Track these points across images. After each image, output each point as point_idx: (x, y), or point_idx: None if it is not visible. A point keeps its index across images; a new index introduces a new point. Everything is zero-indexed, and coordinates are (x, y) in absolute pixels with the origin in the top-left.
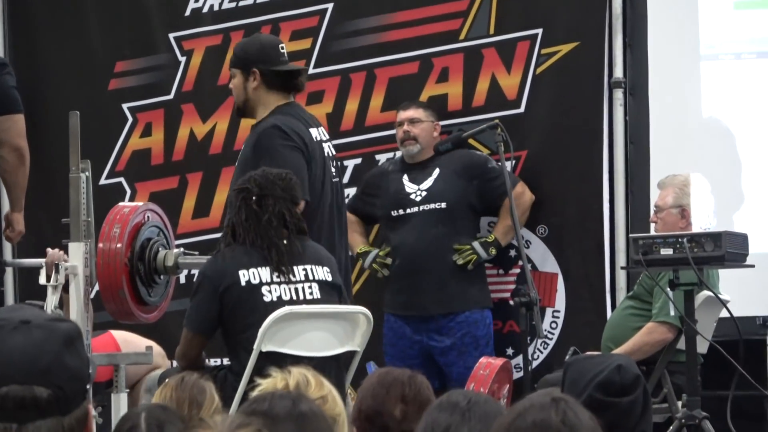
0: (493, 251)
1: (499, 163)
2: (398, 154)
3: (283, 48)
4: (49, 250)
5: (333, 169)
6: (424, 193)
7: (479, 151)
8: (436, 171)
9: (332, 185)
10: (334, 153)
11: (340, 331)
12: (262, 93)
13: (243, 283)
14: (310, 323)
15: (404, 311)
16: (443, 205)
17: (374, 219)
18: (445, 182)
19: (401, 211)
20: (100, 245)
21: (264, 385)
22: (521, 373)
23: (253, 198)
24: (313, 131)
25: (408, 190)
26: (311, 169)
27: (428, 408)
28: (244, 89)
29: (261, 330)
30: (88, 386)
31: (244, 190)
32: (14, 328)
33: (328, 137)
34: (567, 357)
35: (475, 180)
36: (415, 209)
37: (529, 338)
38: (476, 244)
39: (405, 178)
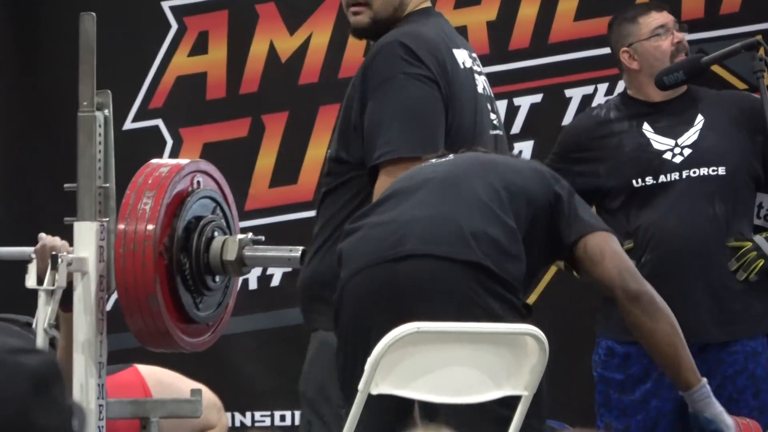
0: None
1: None
2: (600, 93)
3: None
4: (42, 235)
5: (493, 115)
6: (687, 151)
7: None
8: (699, 118)
9: (491, 140)
10: (490, 92)
11: (496, 362)
12: None
13: None
14: (446, 349)
15: None
16: (722, 170)
17: (587, 200)
18: (718, 135)
19: (650, 180)
20: (121, 226)
21: None
22: None
23: None
24: (460, 54)
25: (658, 146)
26: (452, 114)
27: None
28: None
29: (370, 361)
30: None
31: None
32: None
33: (481, 67)
34: None
35: (759, 135)
36: (675, 176)
37: None
38: (761, 240)
39: (646, 127)
